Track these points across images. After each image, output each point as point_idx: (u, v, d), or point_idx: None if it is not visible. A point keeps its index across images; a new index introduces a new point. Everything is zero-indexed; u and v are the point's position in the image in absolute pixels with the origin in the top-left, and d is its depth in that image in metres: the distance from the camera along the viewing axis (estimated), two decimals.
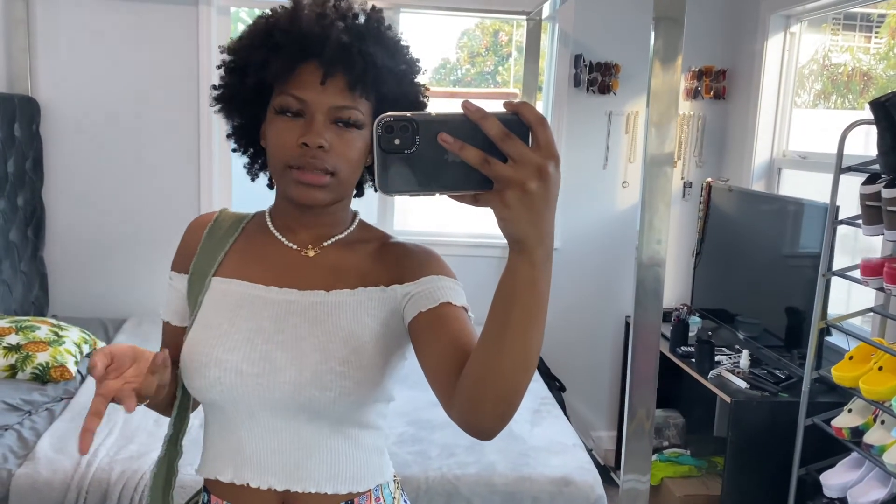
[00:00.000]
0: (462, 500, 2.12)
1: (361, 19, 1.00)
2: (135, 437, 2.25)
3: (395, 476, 1.11)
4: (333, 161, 0.96)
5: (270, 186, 1.12)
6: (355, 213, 1.11)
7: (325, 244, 1.06)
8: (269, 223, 1.08)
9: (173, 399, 1.07)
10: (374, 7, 1.03)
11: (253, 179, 1.13)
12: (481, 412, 0.81)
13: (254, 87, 0.99)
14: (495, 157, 0.65)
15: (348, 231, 1.08)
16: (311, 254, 1.05)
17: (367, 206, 3.57)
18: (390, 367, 1.01)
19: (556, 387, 3.43)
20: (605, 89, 3.49)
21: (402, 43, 1.04)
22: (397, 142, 0.66)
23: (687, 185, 3.63)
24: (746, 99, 3.44)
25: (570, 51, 3.49)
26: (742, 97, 3.48)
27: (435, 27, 3.81)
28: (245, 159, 1.12)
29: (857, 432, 2.19)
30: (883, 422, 2.12)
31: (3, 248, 3.01)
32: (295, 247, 1.05)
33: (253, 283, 1.03)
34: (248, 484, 1.00)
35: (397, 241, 1.08)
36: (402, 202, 3.57)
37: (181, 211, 3.40)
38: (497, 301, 0.75)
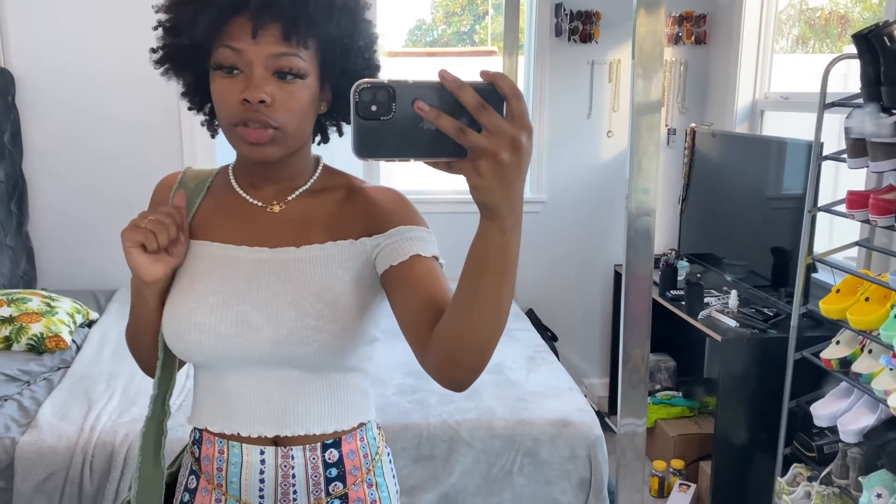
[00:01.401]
0: (463, 444, 2.16)
1: None
2: (137, 400, 2.27)
3: (379, 425, 1.14)
4: (277, 115, 0.93)
5: (213, 135, 1.10)
6: (318, 159, 1.10)
7: (290, 198, 1.04)
8: (232, 181, 1.07)
9: (156, 341, 1.07)
10: None
11: (213, 136, 1.10)
12: (455, 367, 0.84)
13: (190, 45, 0.96)
14: (470, 127, 0.67)
15: (312, 180, 1.06)
16: (277, 209, 1.04)
17: (353, 164, 3.56)
18: (368, 313, 1.02)
19: (548, 336, 3.48)
20: (586, 38, 3.48)
21: None
22: (374, 108, 0.67)
23: (671, 131, 3.64)
24: (727, 42, 3.44)
25: (550, 0, 3.46)
26: (723, 41, 3.48)
27: None
28: (202, 116, 1.09)
29: (846, 363, 2.25)
30: (871, 351, 2.17)
31: None
32: (260, 203, 1.04)
33: (224, 244, 1.03)
34: (238, 433, 1.03)
35: (364, 186, 1.07)
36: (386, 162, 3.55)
37: (165, 174, 3.35)
38: (468, 266, 0.77)
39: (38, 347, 2.55)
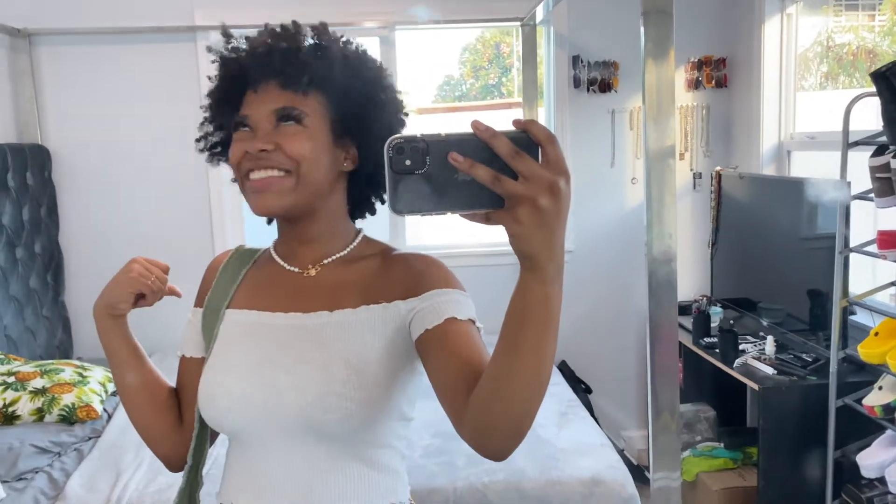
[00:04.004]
0: None
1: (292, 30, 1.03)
2: (163, 469, 2.25)
3: (412, 501, 1.10)
4: (282, 158, 0.97)
5: (269, 221, 1.13)
6: (359, 231, 1.11)
7: (325, 262, 1.06)
8: (272, 252, 1.11)
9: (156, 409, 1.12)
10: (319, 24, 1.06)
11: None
12: (493, 433, 0.80)
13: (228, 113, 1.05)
14: (506, 175, 0.66)
15: (350, 248, 1.07)
16: (313, 272, 1.05)
17: (379, 222, 3.59)
18: (399, 384, 0.99)
19: (581, 389, 3.41)
20: (605, 87, 3.49)
21: (343, 38, 1.06)
22: (408, 162, 0.67)
23: (696, 175, 3.60)
24: (748, 85, 3.41)
25: (568, 52, 3.49)
26: (744, 83, 3.46)
27: (436, 44, 3.83)
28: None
29: (890, 409, 2.15)
30: None
31: (23, 294, 3.06)
32: (297, 269, 1.06)
33: (260, 312, 1.05)
34: None
35: (399, 253, 1.07)
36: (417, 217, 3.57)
37: (195, 247, 3.42)
38: (508, 321, 0.74)
39: (69, 418, 2.58)
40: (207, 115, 1.10)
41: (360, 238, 1.10)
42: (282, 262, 1.08)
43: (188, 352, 1.13)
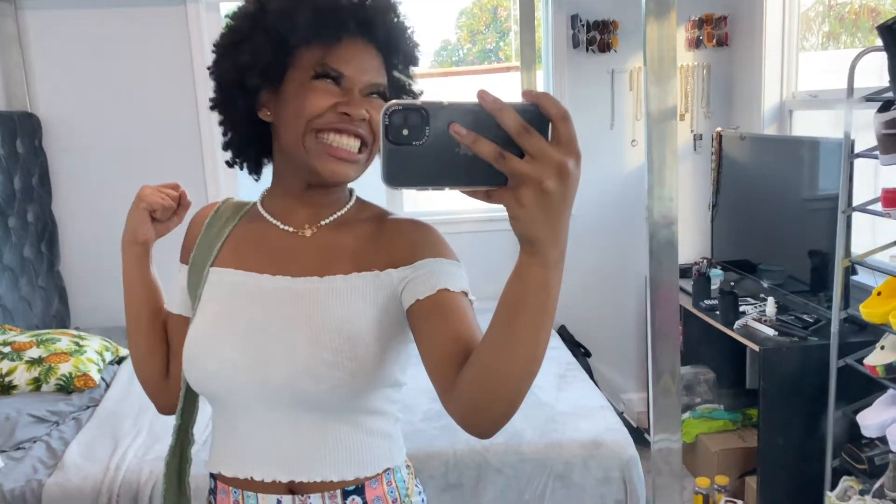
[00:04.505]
0: (492, 470, 2.10)
1: None
2: (162, 436, 2.26)
3: (408, 463, 1.08)
4: (366, 131, 0.94)
5: (257, 178, 1.09)
6: (351, 191, 1.08)
7: (323, 223, 1.02)
8: (261, 210, 1.05)
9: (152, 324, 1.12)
10: None
11: (232, 164, 1.09)
12: (482, 414, 0.78)
13: (276, 47, 0.93)
14: (511, 152, 0.60)
15: (346, 208, 1.04)
16: (308, 233, 1.01)
17: (377, 186, 3.54)
18: (391, 352, 0.97)
19: (580, 353, 3.40)
20: (605, 47, 3.42)
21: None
22: (406, 132, 0.61)
23: (697, 137, 3.56)
24: (750, 44, 3.35)
25: (566, 11, 3.42)
26: (745, 42, 3.39)
27: (432, 8, 3.75)
28: (232, 157, 1.08)
29: (892, 368, 2.14)
30: None
31: (18, 264, 3.03)
32: (291, 229, 1.02)
33: (247, 272, 1.01)
34: (251, 477, 0.98)
35: (394, 217, 1.03)
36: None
37: (191, 210, 3.38)
38: (504, 304, 0.70)
39: (67, 387, 2.57)
40: (259, 22, 0.94)
41: (354, 199, 1.06)
42: (273, 221, 1.03)
43: (174, 308, 1.11)
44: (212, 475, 1.05)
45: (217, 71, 1.00)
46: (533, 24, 3.38)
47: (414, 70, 1.05)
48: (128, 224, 1.09)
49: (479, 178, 0.63)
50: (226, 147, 1.07)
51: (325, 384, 0.92)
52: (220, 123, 1.05)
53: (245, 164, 1.08)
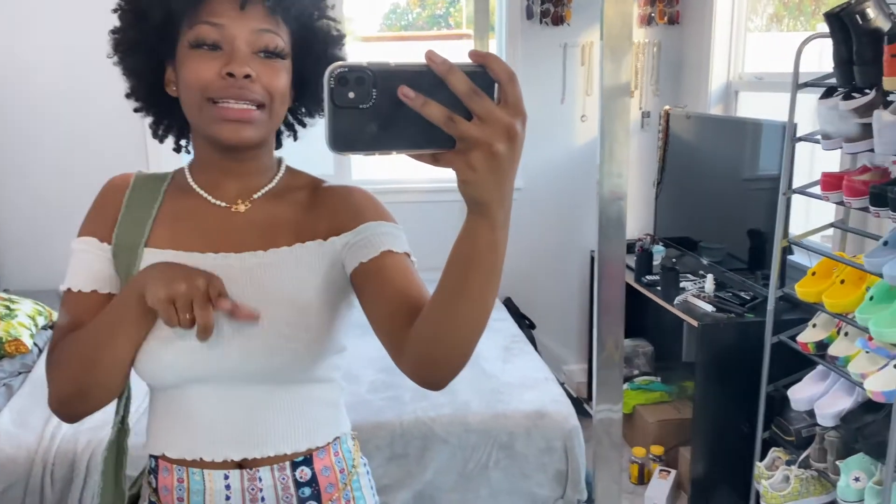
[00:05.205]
0: (438, 440, 2.12)
1: None
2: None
3: (353, 434, 1.08)
4: (262, 91, 0.90)
5: (178, 150, 1.05)
6: (280, 160, 1.05)
7: (255, 197, 0.99)
8: (191, 181, 1.00)
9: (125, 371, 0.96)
10: None
11: (161, 141, 1.04)
12: (434, 366, 0.80)
13: (159, 24, 0.90)
14: (459, 114, 0.60)
15: (277, 179, 1.01)
16: (242, 209, 0.98)
17: (323, 157, 3.48)
18: (338, 319, 0.98)
19: (525, 325, 3.44)
20: (558, 20, 3.41)
21: None
22: (351, 95, 0.59)
23: (645, 114, 3.60)
24: (700, 22, 3.39)
25: None
26: (696, 21, 3.43)
27: None
28: (148, 119, 1.03)
29: (822, 346, 2.23)
30: (846, 333, 2.15)
31: None
32: (224, 204, 0.99)
33: (188, 253, 0.96)
34: (200, 458, 0.96)
35: (329, 185, 1.03)
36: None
37: (131, 169, 3.25)
38: (453, 263, 0.71)
39: None
40: (135, 2, 0.93)
41: (283, 168, 1.04)
42: (206, 195, 0.99)
43: (91, 286, 0.96)
44: (151, 456, 1.02)
45: (116, 57, 0.98)
46: None
47: (328, 22, 0.99)
48: (147, 295, 0.88)
49: (428, 141, 0.62)
50: (153, 132, 1.04)
51: (281, 357, 0.92)
52: (135, 110, 1.02)
53: (179, 141, 1.05)
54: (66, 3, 3.14)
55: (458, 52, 0.62)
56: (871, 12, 1.91)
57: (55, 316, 2.81)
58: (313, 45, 0.96)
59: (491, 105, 0.60)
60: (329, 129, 0.61)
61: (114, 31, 0.96)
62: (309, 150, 1.04)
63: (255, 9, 0.89)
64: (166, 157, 3.35)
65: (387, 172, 3.69)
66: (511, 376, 2.42)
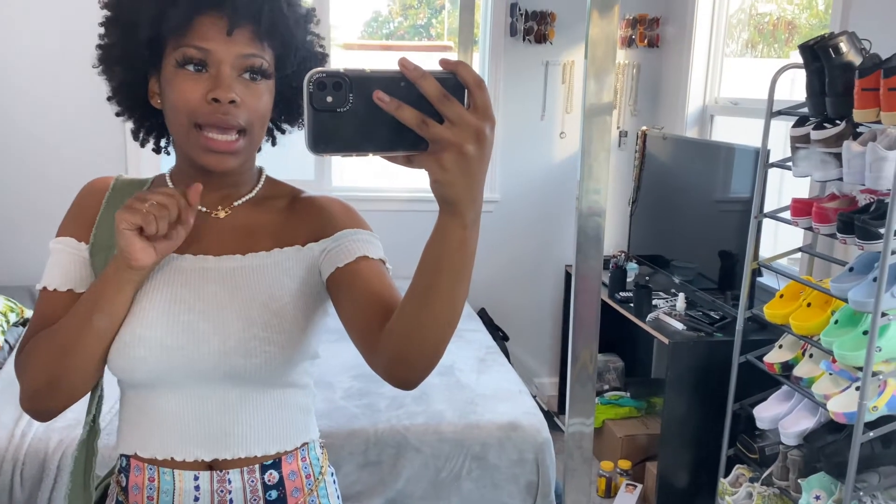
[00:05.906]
0: (411, 449, 2.14)
1: None
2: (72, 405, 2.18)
3: (322, 443, 1.10)
4: (245, 116, 0.91)
5: (157, 151, 1.06)
6: (261, 169, 1.07)
7: (236, 204, 1.02)
8: (171, 186, 1.02)
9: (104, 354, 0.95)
10: None
11: (142, 145, 1.05)
12: (407, 365, 0.83)
13: (146, 42, 0.91)
14: (431, 118, 0.64)
15: (257, 189, 1.04)
16: (223, 215, 1.01)
17: (304, 163, 3.49)
18: (313, 324, 1.00)
19: (499, 336, 3.48)
20: (541, 38, 3.47)
21: None
22: (329, 99, 0.64)
23: (623, 134, 3.67)
24: (680, 46, 3.47)
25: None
26: (675, 44, 3.52)
27: None
28: (131, 124, 1.03)
29: (788, 366, 2.29)
30: (811, 355, 2.22)
31: None
32: (204, 209, 1.00)
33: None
34: (172, 457, 0.97)
35: (308, 195, 1.06)
36: (339, 158, 3.50)
37: (107, 165, 3.24)
38: (424, 262, 0.75)
39: None
40: (128, 16, 0.92)
41: (264, 178, 1.06)
42: None
43: (78, 287, 0.97)
44: (122, 455, 1.03)
45: (100, 65, 0.99)
46: (472, 4, 3.38)
47: (312, 39, 1.01)
48: (118, 247, 0.90)
49: (402, 143, 0.66)
50: (134, 135, 1.05)
51: (256, 359, 0.94)
52: (117, 114, 1.03)
53: (159, 143, 1.06)
54: (44, 4, 3.13)
55: (444, 58, 0.66)
56: (843, 46, 1.98)
57: (27, 313, 2.79)
58: (297, 62, 0.98)
59: (461, 109, 0.64)
60: (308, 131, 0.65)
61: (100, 46, 0.97)
62: (288, 158, 1.06)
63: (242, 33, 0.90)
64: (147, 155, 3.34)
65: (365, 181, 3.71)
66: (485, 388, 2.44)
